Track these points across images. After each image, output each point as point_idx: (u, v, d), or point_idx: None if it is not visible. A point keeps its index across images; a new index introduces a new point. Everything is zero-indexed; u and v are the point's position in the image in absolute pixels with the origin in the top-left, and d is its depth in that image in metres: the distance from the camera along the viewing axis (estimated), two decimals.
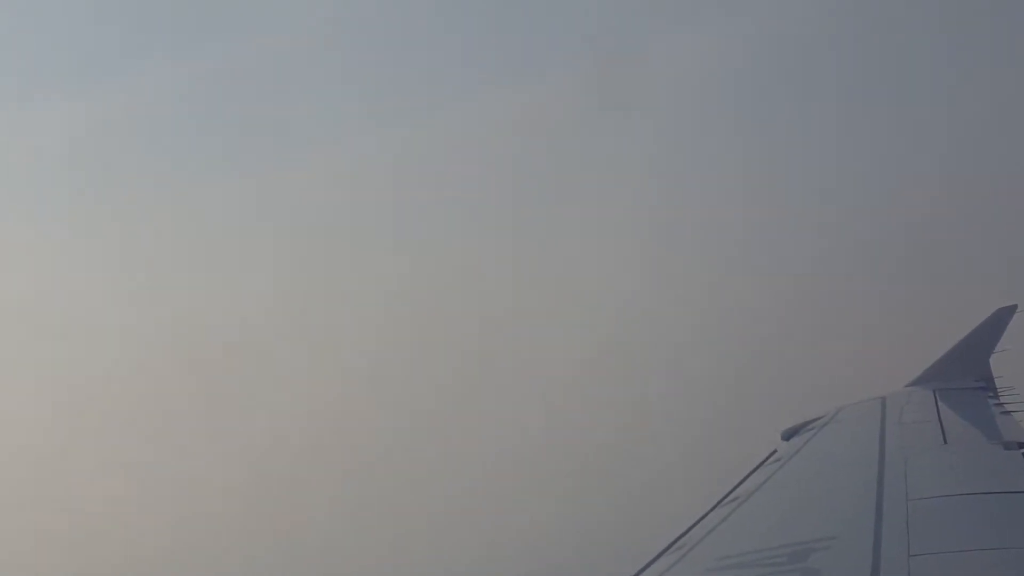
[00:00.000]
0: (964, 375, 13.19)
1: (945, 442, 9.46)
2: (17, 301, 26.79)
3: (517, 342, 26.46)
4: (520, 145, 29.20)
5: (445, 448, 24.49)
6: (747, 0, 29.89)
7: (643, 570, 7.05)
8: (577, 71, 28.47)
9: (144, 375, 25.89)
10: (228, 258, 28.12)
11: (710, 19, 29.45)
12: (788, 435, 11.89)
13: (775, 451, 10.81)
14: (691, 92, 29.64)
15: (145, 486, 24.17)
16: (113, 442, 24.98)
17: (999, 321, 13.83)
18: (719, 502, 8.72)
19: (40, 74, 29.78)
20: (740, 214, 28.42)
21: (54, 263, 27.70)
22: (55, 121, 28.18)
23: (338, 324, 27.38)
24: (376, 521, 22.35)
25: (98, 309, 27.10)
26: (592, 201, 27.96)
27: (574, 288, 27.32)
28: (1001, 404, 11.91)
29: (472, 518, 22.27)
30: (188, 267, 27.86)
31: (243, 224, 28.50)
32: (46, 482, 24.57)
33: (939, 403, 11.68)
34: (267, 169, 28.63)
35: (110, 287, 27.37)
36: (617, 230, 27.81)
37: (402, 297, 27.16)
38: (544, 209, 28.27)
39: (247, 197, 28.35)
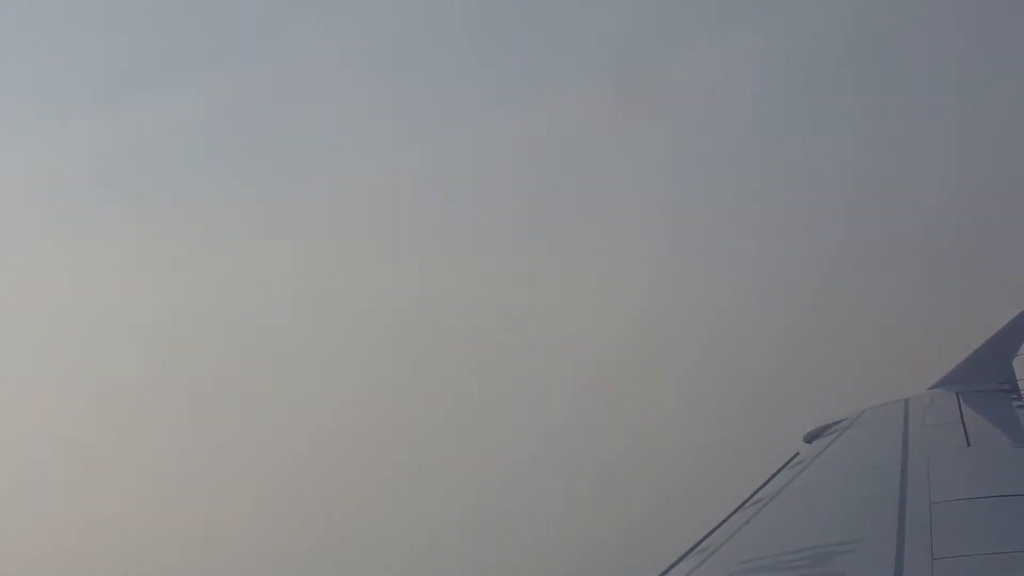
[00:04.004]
0: (988, 377, 13.13)
1: (968, 444, 9.43)
2: (46, 317, 27.01)
3: (542, 346, 26.52)
4: (546, 162, 29.27)
5: (476, 455, 24.61)
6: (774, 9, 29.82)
7: (666, 573, 7.05)
8: (597, 86, 28.48)
9: (173, 388, 26.01)
10: (257, 274, 28.27)
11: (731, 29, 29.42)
12: (811, 437, 11.87)
13: (797, 453, 10.79)
14: (711, 103, 29.67)
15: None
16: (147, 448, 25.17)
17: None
18: (741, 504, 8.72)
19: (62, 95, 29.93)
20: (762, 217, 28.41)
21: (80, 280, 27.84)
22: (80, 141, 28.33)
23: (368, 339, 27.49)
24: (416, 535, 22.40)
25: (126, 326, 27.27)
26: (620, 213, 28.00)
27: (598, 294, 27.36)
28: None
29: (496, 520, 22.31)
30: (216, 282, 27.97)
31: (273, 242, 28.62)
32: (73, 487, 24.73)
33: (962, 405, 11.63)
34: (288, 187, 28.76)
35: (138, 303, 27.50)
36: (638, 234, 27.83)
37: (428, 314, 27.26)
38: (570, 225, 28.32)
39: (274, 215, 28.48)
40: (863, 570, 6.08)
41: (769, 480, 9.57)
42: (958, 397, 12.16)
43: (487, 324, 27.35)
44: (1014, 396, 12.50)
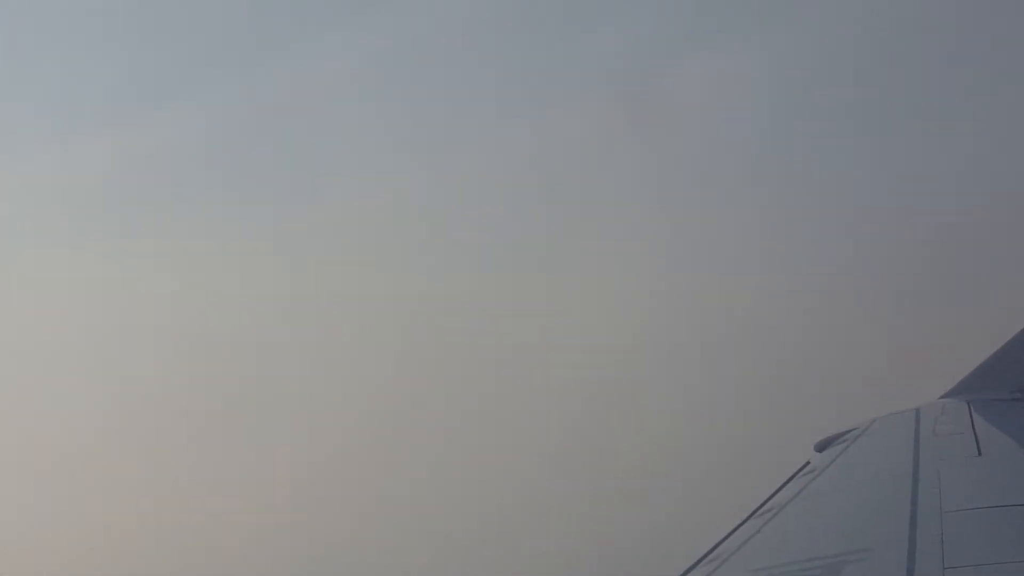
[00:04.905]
0: (999, 386, 13.11)
1: (980, 454, 9.42)
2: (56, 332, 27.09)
3: (552, 353, 26.55)
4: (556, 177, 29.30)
5: (491, 462, 24.66)
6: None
7: None
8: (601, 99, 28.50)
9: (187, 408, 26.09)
10: (265, 283, 28.32)
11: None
12: (822, 446, 11.87)
13: (808, 462, 10.80)
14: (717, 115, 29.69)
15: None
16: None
17: None
18: (752, 513, 8.72)
19: (71, 108, 30.02)
20: (771, 224, 28.42)
21: (88, 289, 27.90)
22: (87, 157, 28.40)
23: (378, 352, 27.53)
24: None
25: (138, 335, 27.33)
26: (630, 221, 28.02)
27: (609, 302, 27.38)
28: None
29: (507, 525, 22.33)
30: (228, 292, 28.01)
31: (280, 251, 28.67)
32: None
33: (974, 414, 11.61)
34: (290, 199, 28.86)
35: (152, 314, 27.55)
36: (651, 246, 27.87)
37: (433, 321, 27.30)
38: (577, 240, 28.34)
39: (279, 226, 28.53)
40: None
41: (780, 489, 9.57)
42: (969, 406, 12.14)
43: (494, 333, 27.38)
44: None
